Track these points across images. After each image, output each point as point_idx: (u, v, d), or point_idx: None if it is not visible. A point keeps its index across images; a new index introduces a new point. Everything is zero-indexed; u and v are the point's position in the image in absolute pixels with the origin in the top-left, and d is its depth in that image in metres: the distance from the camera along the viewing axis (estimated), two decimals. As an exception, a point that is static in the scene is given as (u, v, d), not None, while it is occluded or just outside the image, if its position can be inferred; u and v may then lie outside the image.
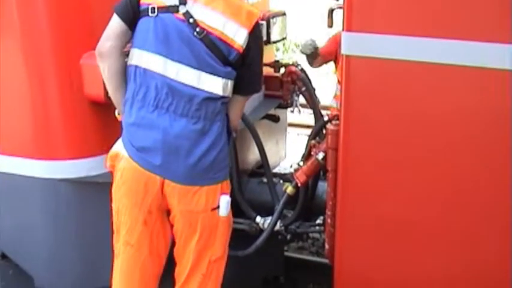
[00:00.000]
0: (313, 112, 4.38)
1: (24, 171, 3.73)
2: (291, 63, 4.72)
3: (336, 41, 5.32)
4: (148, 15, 3.10)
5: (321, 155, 3.66)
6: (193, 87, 3.11)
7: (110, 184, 3.29)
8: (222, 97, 3.18)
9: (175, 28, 3.09)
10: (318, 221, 4.08)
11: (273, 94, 4.70)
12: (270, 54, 4.88)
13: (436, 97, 3.07)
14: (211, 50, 3.09)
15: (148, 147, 3.14)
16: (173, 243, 3.34)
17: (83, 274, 3.89)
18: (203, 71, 3.10)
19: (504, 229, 3.05)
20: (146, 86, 3.13)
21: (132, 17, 3.14)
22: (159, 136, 3.12)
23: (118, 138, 3.27)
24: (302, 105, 4.82)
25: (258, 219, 4.09)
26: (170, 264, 3.37)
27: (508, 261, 3.07)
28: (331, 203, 3.55)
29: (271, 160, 4.49)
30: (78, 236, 3.82)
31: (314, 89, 4.55)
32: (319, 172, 3.96)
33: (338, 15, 4.30)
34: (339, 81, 5.13)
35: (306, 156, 3.88)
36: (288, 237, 4.24)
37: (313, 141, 3.83)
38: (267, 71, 4.63)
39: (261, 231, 4.07)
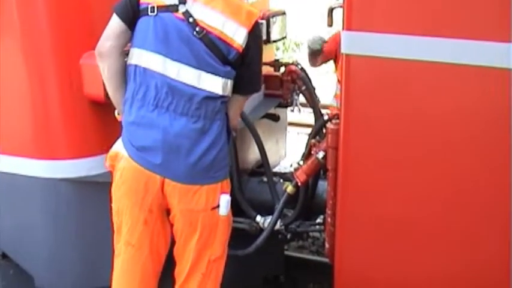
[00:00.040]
0: (313, 111, 4.38)
1: (24, 171, 3.73)
2: (291, 62, 4.72)
3: (336, 40, 5.32)
4: (148, 14, 3.10)
5: (321, 154, 3.66)
6: (194, 87, 3.11)
7: (110, 184, 3.29)
8: (222, 96, 3.18)
9: (174, 27, 3.09)
10: (318, 220, 4.08)
11: (273, 93, 4.70)
12: (270, 53, 4.89)
13: (436, 96, 3.07)
14: (211, 50, 3.09)
15: (148, 147, 3.14)
16: (173, 243, 3.34)
17: (83, 274, 3.89)
18: (203, 70, 3.11)
19: (504, 229, 3.05)
20: (146, 85, 3.13)
21: (132, 16, 3.14)
22: (159, 135, 3.12)
23: (118, 137, 3.27)
24: (302, 104, 4.82)
25: (258, 218, 4.09)
26: (170, 263, 3.37)
27: (508, 260, 3.07)
28: (331, 202, 3.55)
29: (271, 159, 4.49)
30: (78, 235, 3.82)
31: (314, 88, 4.54)
32: (319, 171, 3.96)
33: (338, 14, 4.30)
34: (338, 80, 5.13)
35: (306, 156, 3.88)
36: (288, 236, 4.24)
37: (313, 140, 3.83)
38: (267, 70, 4.63)
39: (261, 230, 4.07)
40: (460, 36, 2.95)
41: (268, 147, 4.46)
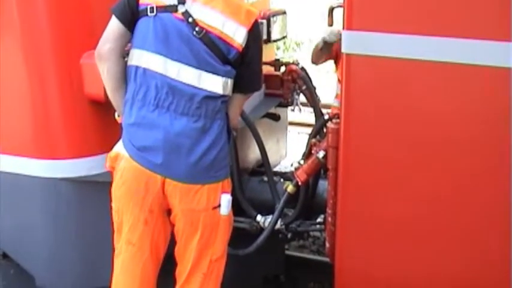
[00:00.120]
0: (314, 111, 4.38)
1: (24, 171, 3.73)
2: (291, 61, 4.71)
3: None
4: (147, 15, 3.11)
5: (321, 154, 3.66)
6: (194, 87, 3.11)
7: (110, 183, 3.29)
8: (222, 96, 3.18)
9: (174, 28, 3.09)
10: (319, 220, 4.08)
11: (273, 93, 4.70)
12: (270, 52, 4.89)
13: (437, 95, 3.07)
14: (211, 49, 3.10)
15: (149, 147, 3.14)
16: (174, 243, 3.34)
17: (83, 274, 3.89)
18: (203, 70, 3.11)
19: (504, 228, 3.05)
20: (146, 85, 3.13)
21: (131, 18, 3.15)
22: (160, 135, 3.12)
23: (118, 137, 3.26)
24: (302, 104, 4.82)
25: (259, 217, 4.09)
26: (171, 263, 3.37)
27: (508, 260, 3.07)
28: (332, 201, 3.55)
29: (272, 159, 4.49)
30: (78, 235, 3.82)
31: (314, 88, 4.54)
32: (319, 171, 3.96)
33: (338, 14, 4.29)
34: (339, 80, 5.12)
35: (307, 155, 3.88)
36: (289, 235, 4.25)
37: (313, 140, 3.83)
38: (268, 69, 4.63)
39: (262, 229, 4.07)
40: (460, 35, 2.95)
41: (269, 146, 4.46)
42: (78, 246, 3.84)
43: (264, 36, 4.55)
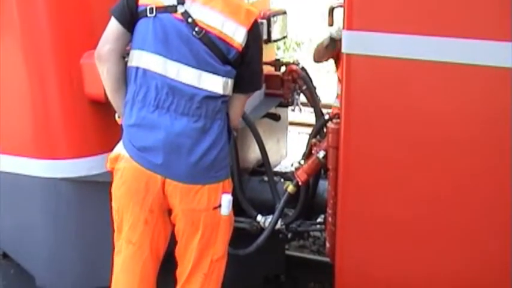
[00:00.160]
0: (314, 111, 4.38)
1: (24, 171, 3.73)
2: (291, 61, 4.71)
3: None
4: (146, 16, 3.11)
5: (321, 154, 3.66)
6: (194, 87, 3.11)
7: (110, 183, 3.29)
8: (223, 96, 3.18)
9: (174, 28, 3.09)
10: (319, 220, 4.08)
11: (273, 93, 4.70)
12: (270, 52, 4.89)
13: (437, 95, 3.07)
14: (211, 49, 3.10)
15: (149, 147, 3.14)
16: (174, 243, 3.34)
17: (83, 274, 3.89)
18: (203, 70, 3.11)
19: (504, 228, 3.05)
20: (146, 86, 3.13)
21: (130, 19, 3.15)
22: (160, 135, 3.12)
23: (118, 137, 3.27)
24: (303, 104, 4.82)
25: (259, 217, 4.09)
26: (172, 263, 3.37)
27: (508, 260, 3.07)
28: (332, 201, 3.55)
29: (272, 159, 4.49)
30: (78, 235, 3.83)
31: (315, 88, 4.54)
32: (320, 171, 3.96)
33: (339, 14, 4.29)
34: (339, 80, 5.12)
35: (307, 155, 3.88)
36: (289, 235, 4.25)
37: (314, 140, 3.83)
38: (268, 69, 4.63)
39: (262, 229, 4.07)
40: (460, 35, 2.95)
41: (269, 146, 4.46)
42: (78, 246, 3.84)
43: (265, 36, 4.55)
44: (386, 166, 3.24)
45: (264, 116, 4.58)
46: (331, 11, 4.87)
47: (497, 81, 2.93)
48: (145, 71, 3.13)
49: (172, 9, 3.10)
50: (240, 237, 3.70)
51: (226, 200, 3.25)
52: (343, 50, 3.22)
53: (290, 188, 3.94)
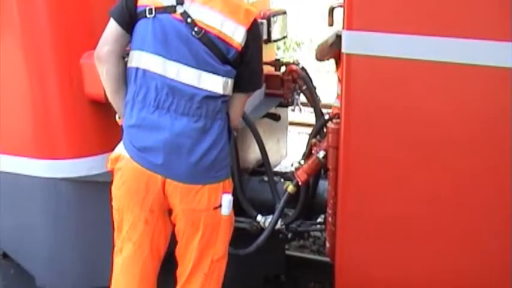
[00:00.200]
0: (314, 111, 4.38)
1: (24, 171, 3.73)
2: (291, 61, 4.71)
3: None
4: (146, 16, 3.11)
5: (321, 154, 3.66)
6: (194, 87, 3.11)
7: (110, 183, 3.29)
8: (223, 96, 3.18)
9: (173, 28, 3.09)
10: (319, 220, 4.08)
11: (273, 93, 4.70)
12: (270, 52, 4.89)
13: (437, 95, 3.07)
14: (210, 49, 3.10)
15: (149, 147, 3.14)
16: (175, 243, 3.34)
17: (83, 274, 3.89)
18: (203, 70, 3.11)
19: (504, 228, 3.05)
20: (146, 87, 3.13)
21: (129, 20, 3.15)
22: (160, 136, 3.12)
23: (118, 137, 3.27)
24: (303, 104, 4.82)
25: (259, 217, 4.09)
26: (172, 263, 3.37)
27: (508, 260, 3.07)
28: (332, 201, 3.55)
29: (272, 159, 4.49)
30: (78, 235, 3.83)
31: (315, 88, 4.54)
32: (320, 170, 3.96)
33: (338, 14, 4.29)
34: (339, 80, 5.12)
35: (307, 155, 3.88)
36: (289, 235, 4.25)
37: (314, 140, 3.83)
38: (268, 69, 4.63)
39: (262, 229, 4.07)
40: (460, 35, 2.95)
41: (269, 146, 4.46)
42: (78, 246, 3.84)
43: (265, 36, 4.55)
44: (386, 166, 3.24)
45: (264, 116, 4.58)
46: (331, 11, 4.86)
47: (497, 81, 2.93)
48: (145, 71, 3.13)
49: (171, 9, 3.10)
50: (240, 237, 3.70)
51: (227, 200, 3.25)
52: (343, 50, 3.22)
53: (290, 188, 3.94)
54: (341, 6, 3.72)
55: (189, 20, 3.08)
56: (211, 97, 3.14)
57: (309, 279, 5.13)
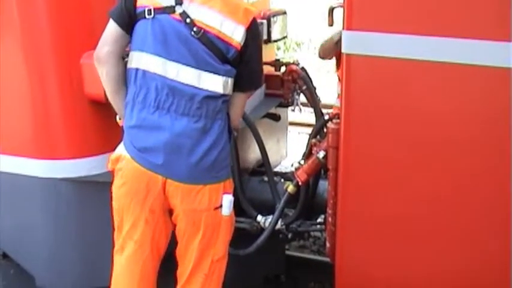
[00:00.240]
0: (314, 111, 4.38)
1: (24, 171, 3.73)
2: (291, 62, 4.71)
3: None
4: (145, 17, 3.11)
5: (321, 154, 3.66)
6: (194, 87, 3.12)
7: (111, 184, 3.29)
8: (223, 95, 3.18)
9: (172, 29, 3.09)
10: (319, 220, 4.08)
11: (273, 93, 4.70)
12: (270, 53, 4.89)
13: (436, 95, 3.07)
14: (210, 49, 3.10)
15: (150, 147, 3.14)
16: (175, 243, 3.34)
17: (83, 274, 3.89)
18: (203, 69, 3.11)
19: (504, 228, 3.05)
20: (146, 87, 3.13)
21: (128, 21, 3.15)
22: (160, 136, 3.12)
23: (119, 137, 3.27)
24: (303, 104, 4.82)
25: (259, 218, 4.09)
26: (172, 263, 3.37)
27: (508, 260, 3.07)
28: (332, 201, 3.55)
29: (272, 159, 4.49)
30: (78, 235, 3.83)
31: (315, 88, 4.54)
32: (320, 171, 3.96)
33: (338, 14, 4.29)
34: (339, 80, 5.11)
35: (307, 155, 3.88)
36: (289, 236, 4.25)
37: (314, 140, 3.83)
38: (268, 69, 4.63)
39: (262, 230, 4.07)
40: (460, 35, 2.95)
41: (269, 146, 4.46)
42: (78, 246, 3.84)
43: (265, 37, 4.55)
44: (386, 166, 3.24)
45: (264, 116, 4.58)
46: (331, 11, 4.87)
47: (497, 81, 2.93)
48: (145, 72, 3.13)
49: (170, 9, 3.10)
50: (240, 238, 3.70)
51: (227, 200, 3.25)
52: (343, 50, 3.22)
53: (290, 188, 3.94)
54: (341, 6, 3.73)
55: (188, 20, 3.08)
56: (211, 97, 3.14)
57: (309, 279, 5.13)
